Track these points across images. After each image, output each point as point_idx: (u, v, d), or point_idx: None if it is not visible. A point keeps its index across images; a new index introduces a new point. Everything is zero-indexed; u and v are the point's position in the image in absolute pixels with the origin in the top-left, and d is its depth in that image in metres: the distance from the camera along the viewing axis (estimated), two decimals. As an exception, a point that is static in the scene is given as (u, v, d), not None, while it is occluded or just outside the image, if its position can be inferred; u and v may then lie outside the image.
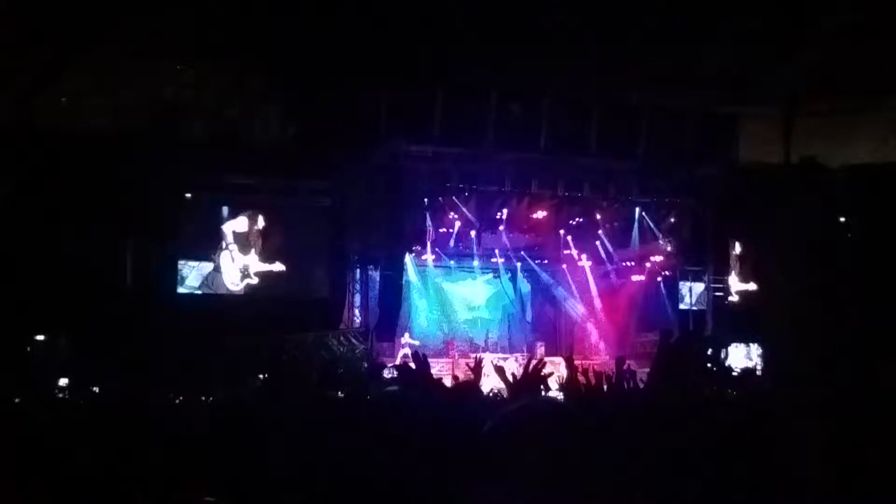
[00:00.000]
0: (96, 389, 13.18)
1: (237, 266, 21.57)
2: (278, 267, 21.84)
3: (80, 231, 18.92)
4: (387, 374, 16.77)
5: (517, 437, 3.10)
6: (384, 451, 3.93)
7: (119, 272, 19.83)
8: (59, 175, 18.90)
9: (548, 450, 3.01)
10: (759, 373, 19.13)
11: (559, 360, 19.03)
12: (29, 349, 18.28)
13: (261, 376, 16.19)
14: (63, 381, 15.69)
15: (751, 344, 22.73)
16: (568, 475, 3.01)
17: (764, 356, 21.45)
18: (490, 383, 12.68)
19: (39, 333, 18.49)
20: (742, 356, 22.56)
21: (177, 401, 11.19)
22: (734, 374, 17.74)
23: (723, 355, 21.74)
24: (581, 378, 8.61)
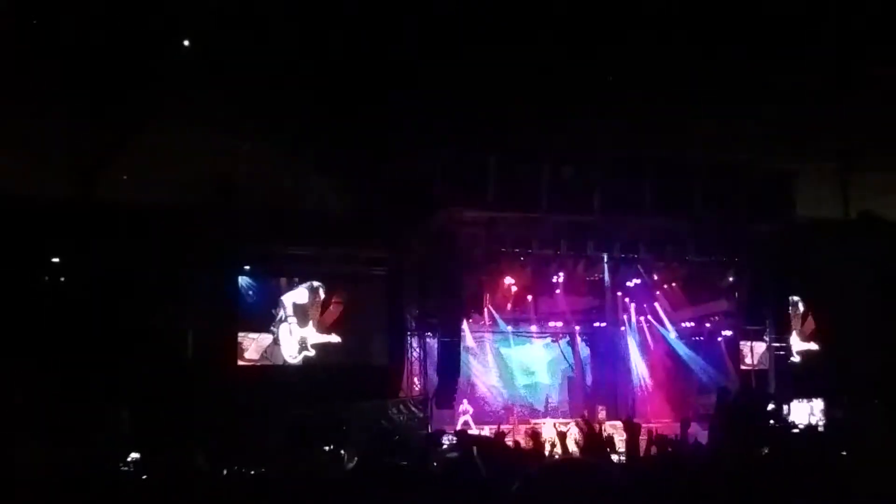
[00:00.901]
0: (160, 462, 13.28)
1: (295, 338, 21.72)
2: (335, 339, 21.96)
3: (142, 304, 19.21)
4: (446, 440, 16.73)
5: (545, 497, 3.10)
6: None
7: (180, 345, 20.05)
8: (121, 249, 19.24)
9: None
10: (821, 429, 18.84)
11: (619, 423, 18.88)
12: (93, 422, 18.44)
13: (325, 448, 16.22)
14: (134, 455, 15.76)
15: (814, 399, 22.40)
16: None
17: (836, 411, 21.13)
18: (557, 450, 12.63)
19: (102, 406, 18.66)
20: (805, 412, 22.22)
21: (241, 471, 11.27)
22: (796, 430, 17.46)
23: (784, 411, 21.42)
24: (643, 442, 8.57)
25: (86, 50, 15.58)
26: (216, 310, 20.87)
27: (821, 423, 21.02)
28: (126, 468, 14.24)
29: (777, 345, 24.35)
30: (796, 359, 24.47)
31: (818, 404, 22.24)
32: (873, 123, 20.36)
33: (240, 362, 21.34)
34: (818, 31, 17.41)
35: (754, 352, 24.39)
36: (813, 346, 24.15)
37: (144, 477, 11.57)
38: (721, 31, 17.28)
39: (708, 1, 16.77)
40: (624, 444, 9.30)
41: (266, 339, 21.59)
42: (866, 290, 21.04)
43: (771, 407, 20.25)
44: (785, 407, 21.85)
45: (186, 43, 16.27)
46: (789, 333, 24.47)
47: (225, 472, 11.31)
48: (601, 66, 18.11)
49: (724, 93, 18.77)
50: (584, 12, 16.07)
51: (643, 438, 8.42)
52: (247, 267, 21.59)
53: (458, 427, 21.47)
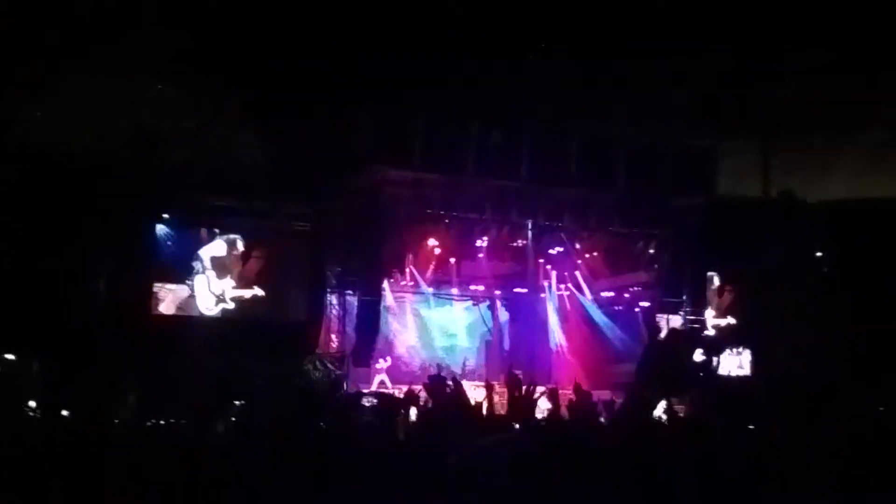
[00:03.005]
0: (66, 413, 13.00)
1: (212, 291, 21.36)
2: (255, 291, 21.65)
3: (56, 252, 18.70)
4: (366, 402, 16.64)
5: (488, 471, 3.06)
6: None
7: (93, 294, 19.62)
8: (34, 195, 18.69)
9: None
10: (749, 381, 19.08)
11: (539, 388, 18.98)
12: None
13: (237, 402, 15.99)
14: (32, 403, 15.36)
15: (743, 350, 22.80)
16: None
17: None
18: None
19: (10, 353, 18.17)
20: (735, 365, 22.65)
21: (148, 423, 11.08)
22: (724, 379, 17.54)
23: (714, 363, 21.71)
24: (564, 412, 8.60)
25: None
26: (131, 257, 20.41)
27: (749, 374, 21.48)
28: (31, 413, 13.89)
29: (692, 318, 24.74)
30: (711, 332, 24.84)
31: (747, 355, 22.69)
32: (795, 102, 20.63)
33: (154, 313, 20.97)
34: (740, 14, 17.60)
35: (670, 324, 24.73)
36: (727, 320, 24.53)
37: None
38: (647, 11, 17.39)
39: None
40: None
41: (183, 291, 21.21)
42: (781, 270, 21.40)
43: (700, 357, 20.44)
44: (714, 359, 22.20)
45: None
46: (705, 308, 24.84)
47: (148, 423, 11.11)
48: (533, 34, 18.07)
49: (648, 70, 18.88)
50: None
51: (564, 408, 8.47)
52: (165, 216, 21.15)
53: (374, 386, 21.48)
